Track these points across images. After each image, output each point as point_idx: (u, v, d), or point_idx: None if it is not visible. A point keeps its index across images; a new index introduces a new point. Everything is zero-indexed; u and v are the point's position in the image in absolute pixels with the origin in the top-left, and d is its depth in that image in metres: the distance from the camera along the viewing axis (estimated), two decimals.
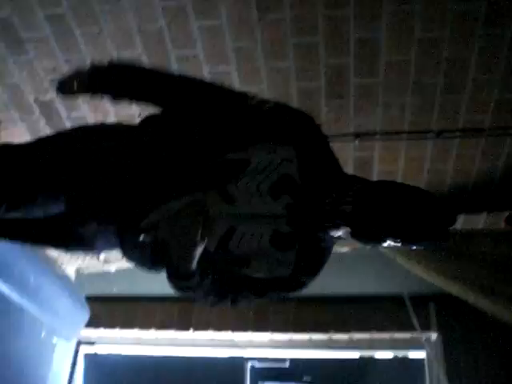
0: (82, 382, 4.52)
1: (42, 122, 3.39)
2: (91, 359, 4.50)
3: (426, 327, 4.10)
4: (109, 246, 1.94)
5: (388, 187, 1.76)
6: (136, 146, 1.83)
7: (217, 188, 1.69)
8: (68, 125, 3.36)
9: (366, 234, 1.71)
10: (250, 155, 1.70)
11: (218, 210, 1.69)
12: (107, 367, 4.41)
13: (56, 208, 1.84)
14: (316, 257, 1.83)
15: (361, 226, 1.69)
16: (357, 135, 3.31)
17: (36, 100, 3.29)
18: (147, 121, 1.92)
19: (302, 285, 1.88)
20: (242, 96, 1.84)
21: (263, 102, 1.81)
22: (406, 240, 1.70)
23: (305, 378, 4.35)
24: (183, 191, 1.70)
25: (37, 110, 3.34)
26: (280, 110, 1.80)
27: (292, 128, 1.76)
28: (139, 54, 3.00)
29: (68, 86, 1.88)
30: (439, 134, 3.27)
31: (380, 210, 1.67)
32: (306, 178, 1.72)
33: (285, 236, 1.73)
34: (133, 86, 1.89)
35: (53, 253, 3.92)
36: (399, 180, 3.38)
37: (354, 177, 1.82)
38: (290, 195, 1.71)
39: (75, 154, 1.83)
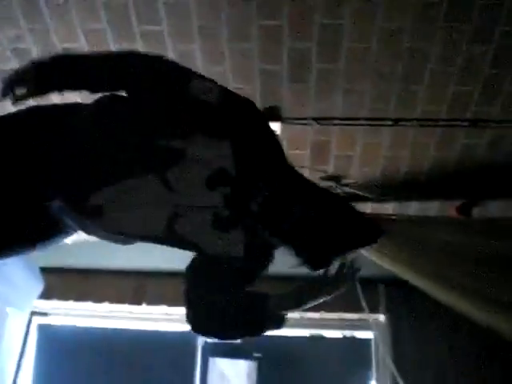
0: (34, 353, 4.51)
1: None
2: (44, 330, 4.50)
3: (374, 309, 4.20)
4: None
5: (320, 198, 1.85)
6: (84, 126, 1.84)
7: (156, 173, 1.73)
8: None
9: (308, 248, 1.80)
10: (186, 145, 1.73)
11: (160, 195, 1.75)
12: (60, 338, 4.42)
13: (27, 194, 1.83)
14: (262, 241, 1.87)
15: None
16: (316, 119, 3.36)
17: None
18: (96, 104, 1.91)
19: (260, 262, 1.93)
20: (185, 77, 1.83)
21: (208, 89, 1.81)
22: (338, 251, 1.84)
23: (255, 355, 4.44)
24: (123, 173, 1.75)
25: None
26: (222, 101, 1.80)
27: (232, 122, 1.78)
28: (104, 28, 2.98)
29: (15, 85, 1.89)
30: (396, 121, 3.34)
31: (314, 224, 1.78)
32: (241, 171, 1.76)
33: (225, 219, 1.79)
34: (75, 77, 1.90)
35: None
36: (356, 164, 3.50)
37: (291, 172, 1.88)
38: (225, 186, 1.76)
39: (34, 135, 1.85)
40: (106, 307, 4.37)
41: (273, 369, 4.49)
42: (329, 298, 1.86)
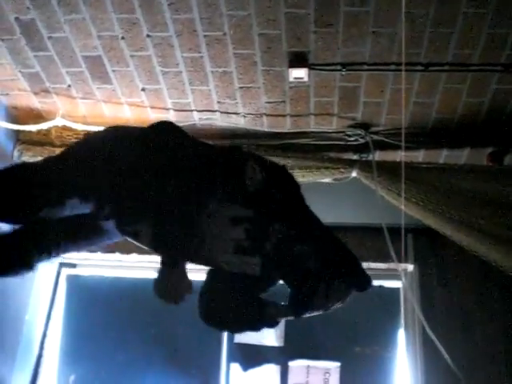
0: (63, 303, 4.57)
1: (23, 43, 3.32)
2: (73, 281, 4.54)
3: (403, 259, 4.17)
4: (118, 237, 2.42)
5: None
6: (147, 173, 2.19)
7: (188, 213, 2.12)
8: (49, 46, 3.30)
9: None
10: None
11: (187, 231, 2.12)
12: (88, 289, 4.45)
13: (82, 209, 2.21)
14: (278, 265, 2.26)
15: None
16: (344, 65, 3.28)
17: (17, 19, 3.20)
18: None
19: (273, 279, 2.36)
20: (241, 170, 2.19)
21: (254, 177, 2.18)
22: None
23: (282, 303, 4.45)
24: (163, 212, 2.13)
25: (17, 30, 3.25)
26: (265, 187, 2.19)
27: (265, 193, 2.19)
28: None
29: None
30: (427, 66, 3.25)
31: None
32: (260, 216, 2.18)
33: (246, 247, 2.20)
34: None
35: None
36: (385, 111, 3.42)
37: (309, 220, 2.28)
38: (246, 225, 2.18)
39: (101, 163, 2.18)
40: (133, 258, 4.39)
41: (300, 319, 4.51)
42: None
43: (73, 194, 2.18)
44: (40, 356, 4.20)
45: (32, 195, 2.17)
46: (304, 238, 2.21)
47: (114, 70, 3.46)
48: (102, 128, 3.66)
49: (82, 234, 2.41)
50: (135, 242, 2.34)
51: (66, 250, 2.48)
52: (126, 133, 2.40)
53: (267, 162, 2.31)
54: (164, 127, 2.38)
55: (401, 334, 4.32)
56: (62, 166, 2.24)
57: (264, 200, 2.19)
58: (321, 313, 2.30)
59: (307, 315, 2.29)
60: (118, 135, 2.34)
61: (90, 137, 2.53)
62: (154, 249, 2.25)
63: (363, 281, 2.27)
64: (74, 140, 3.80)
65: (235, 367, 4.48)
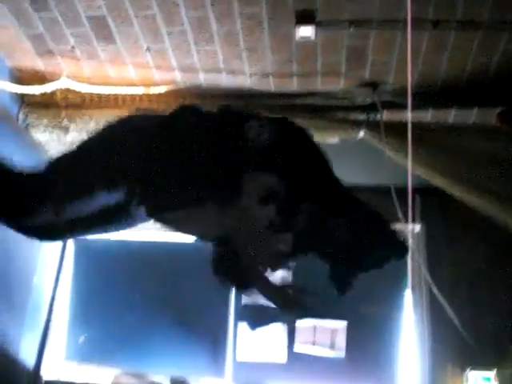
0: (72, 266, 4.61)
1: (26, 4, 3.28)
2: (81, 243, 4.57)
3: (410, 219, 4.17)
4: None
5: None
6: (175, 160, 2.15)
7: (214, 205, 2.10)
8: (53, 6, 3.26)
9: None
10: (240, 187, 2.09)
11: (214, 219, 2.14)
12: (97, 251, 4.48)
13: (114, 197, 2.17)
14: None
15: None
16: (352, 22, 3.22)
17: None
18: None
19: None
20: (238, 126, 2.12)
21: (258, 134, 2.10)
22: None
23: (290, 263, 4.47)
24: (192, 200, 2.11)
25: None
26: (273, 143, 2.10)
27: (281, 161, 2.10)
28: None
29: None
30: (436, 24, 3.19)
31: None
32: (289, 192, 2.09)
33: (278, 223, 2.11)
34: None
35: (40, 138, 3.87)
36: (393, 70, 3.37)
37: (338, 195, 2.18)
38: (276, 202, 2.10)
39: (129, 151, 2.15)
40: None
41: (308, 277, 4.53)
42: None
43: (101, 184, 2.17)
44: (49, 318, 4.26)
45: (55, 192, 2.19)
46: (335, 210, 2.14)
47: (118, 30, 3.41)
48: (106, 88, 3.73)
49: (109, 221, 2.35)
50: (166, 227, 2.32)
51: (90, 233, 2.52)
52: (148, 120, 2.38)
53: (268, 119, 2.24)
54: (185, 112, 2.30)
55: (407, 295, 4.35)
56: (85, 157, 2.24)
57: (280, 161, 2.12)
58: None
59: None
60: (139, 123, 2.33)
61: (110, 125, 2.50)
62: (187, 233, 2.30)
63: (400, 248, 2.19)
64: (79, 101, 3.80)
65: (243, 326, 4.53)
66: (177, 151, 2.15)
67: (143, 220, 2.33)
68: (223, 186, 2.10)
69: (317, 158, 2.20)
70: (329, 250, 2.18)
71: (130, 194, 2.18)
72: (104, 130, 2.42)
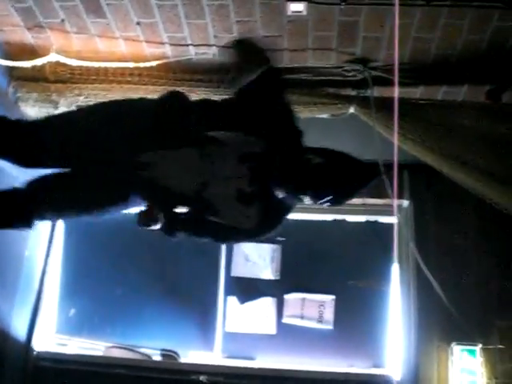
0: (62, 239, 4.62)
1: None
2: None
3: (398, 195, 4.20)
4: None
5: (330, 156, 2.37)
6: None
7: (196, 148, 2.30)
8: None
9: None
10: (224, 136, 2.29)
11: (194, 166, 2.31)
12: (87, 224, 4.47)
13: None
14: (275, 212, 2.44)
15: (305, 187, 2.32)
16: None
17: None
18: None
19: (262, 234, 2.52)
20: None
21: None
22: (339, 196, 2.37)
23: (279, 238, 4.52)
24: (170, 144, 2.33)
25: None
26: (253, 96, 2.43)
27: (261, 111, 2.36)
28: None
29: None
30: (429, 1, 3.18)
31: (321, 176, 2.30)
32: (266, 149, 2.31)
33: (247, 194, 2.32)
34: None
35: (30, 112, 3.85)
36: (384, 46, 3.37)
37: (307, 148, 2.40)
38: (252, 161, 2.30)
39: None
40: None
41: (296, 252, 4.58)
42: None
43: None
44: (40, 291, 4.28)
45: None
46: (305, 149, 2.38)
47: (108, 4, 3.37)
48: (96, 63, 3.71)
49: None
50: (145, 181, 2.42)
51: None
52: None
53: None
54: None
55: (394, 269, 4.41)
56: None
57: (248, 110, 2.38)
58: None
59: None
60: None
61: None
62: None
63: (371, 170, 2.53)
64: (68, 76, 3.78)
65: (232, 300, 4.57)
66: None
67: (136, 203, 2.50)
68: (210, 136, 2.29)
69: (289, 115, 2.48)
70: (308, 181, 2.32)
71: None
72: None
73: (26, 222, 2.50)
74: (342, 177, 2.32)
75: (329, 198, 2.30)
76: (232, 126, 2.34)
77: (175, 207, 2.48)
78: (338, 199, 2.36)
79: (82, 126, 2.43)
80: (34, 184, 2.48)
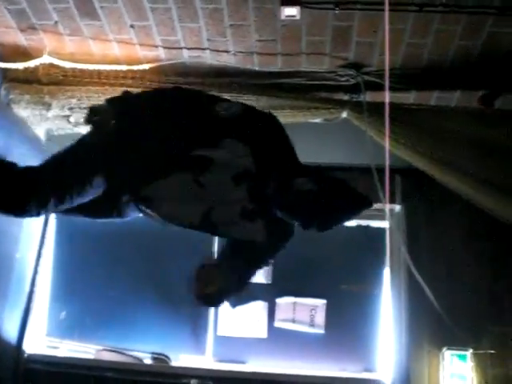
0: (53, 241, 4.60)
1: None
2: (63, 217, 4.54)
3: (390, 199, 4.21)
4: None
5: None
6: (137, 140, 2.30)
7: (192, 176, 2.23)
8: None
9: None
10: (214, 153, 2.23)
11: (195, 193, 2.25)
12: (79, 225, 4.44)
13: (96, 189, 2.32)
14: (282, 223, 2.36)
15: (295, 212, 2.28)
16: (337, 4, 3.22)
17: None
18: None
19: (276, 247, 2.48)
20: (211, 103, 2.31)
21: (230, 107, 2.31)
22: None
23: None
24: (165, 174, 2.25)
25: None
26: (243, 115, 2.32)
27: (250, 130, 2.28)
28: None
29: None
30: (421, 7, 3.20)
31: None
32: (259, 167, 2.26)
33: (250, 210, 2.29)
34: None
35: (22, 113, 3.85)
36: (377, 51, 3.37)
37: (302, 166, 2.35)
38: (248, 182, 2.26)
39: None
40: None
41: (288, 256, 4.51)
42: None
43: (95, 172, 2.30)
44: (31, 293, 4.25)
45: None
46: (300, 172, 2.31)
47: (101, 6, 3.37)
48: (89, 66, 3.70)
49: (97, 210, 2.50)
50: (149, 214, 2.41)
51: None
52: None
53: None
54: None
55: (386, 273, 4.41)
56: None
57: (248, 130, 2.30)
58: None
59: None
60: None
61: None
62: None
63: (363, 198, 2.34)
64: (61, 78, 3.77)
65: (224, 304, 4.56)
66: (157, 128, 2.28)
67: (132, 213, 2.47)
68: (199, 157, 2.25)
69: (281, 131, 2.36)
70: (297, 207, 2.28)
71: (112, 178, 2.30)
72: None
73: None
74: (331, 206, 2.27)
75: (315, 227, 2.29)
76: (221, 139, 2.29)
77: None
78: (325, 227, 2.31)
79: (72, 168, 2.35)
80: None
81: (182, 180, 2.25)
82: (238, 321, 4.51)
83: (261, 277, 4.56)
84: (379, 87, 3.58)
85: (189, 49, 3.63)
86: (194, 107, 2.35)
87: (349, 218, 2.40)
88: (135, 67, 3.72)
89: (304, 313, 4.53)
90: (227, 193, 2.28)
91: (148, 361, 4.39)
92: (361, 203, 2.34)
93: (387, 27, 2.88)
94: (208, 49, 3.61)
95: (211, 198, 2.27)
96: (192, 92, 2.52)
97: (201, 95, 2.50)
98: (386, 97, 3.04)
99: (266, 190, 2.30)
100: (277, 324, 4.51)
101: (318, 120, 3.77)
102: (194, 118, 2.30)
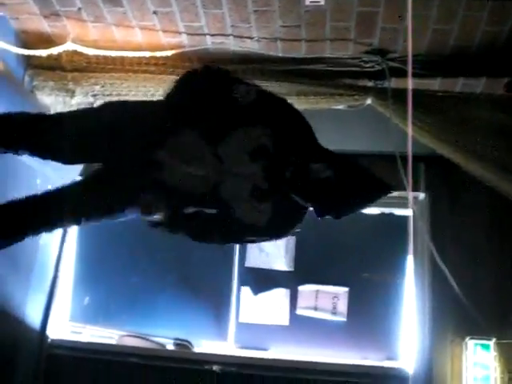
0: (76, 230, 4.62)
1: None
2: None
3: (414, 187, 4.17)
4: None
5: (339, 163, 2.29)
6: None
7: (209, 146, 2.27)
8: None
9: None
10: (233, 130, 2.27)
11: (210, 164, 2.27)
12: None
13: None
14: (288, 212, 2.36)
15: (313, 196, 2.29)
16: None
17: None
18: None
19: (271, 234, 2.46)
20: (229, 89, 2.32)
21: (247, 93, 2.31)
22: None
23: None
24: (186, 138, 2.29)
25: None
26: (260, 101, 2.32)
27: (267, 114, 2.30)
28: None
29: None
30: None
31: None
32: (278, 148, 2.27)
33: (262, 190, 2.28)
34: None
35: (46, 100, 3.86)
36: (402, 38, 3.33)
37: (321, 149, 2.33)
38: (265, 159, 2.26)
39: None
40: None
41: (310, 244, 4.55)
42: None
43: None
44: (55, 279, 4.30)
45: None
46: (317, 157, 2.29)
47: None
48: (112, 53, 3.71)
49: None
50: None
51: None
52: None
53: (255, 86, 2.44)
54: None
55: (409, 261, 4.39)
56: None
57: (266, 116, 2.30)
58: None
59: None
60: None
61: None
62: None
63: (381, 185, 2.31)
64: (85, 65, 3.78)
65: (246, 291, 4.57)
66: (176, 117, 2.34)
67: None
68: (217, 137, 2.27)
69: (299, 117, 2.36)
70: (314, 194, 2.28)
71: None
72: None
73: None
74: (348, 193, 2.25)
75: (331, 214, 2.28)
76: (241, 120, 2.31)
77: (187, 207, 2.38)
78: (341, 214, 2.30)
79: (94, 123, 2.42)
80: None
81: (197, 147, 2.27)
82: (260, 308, 4.52)
83: (283, 264, 4.57)
84: (404, 74, 3.51)
85: (212, 35, 3.61)
86: (217, 91, 2.34)
87: (366, 206, 2.37)
88: (158, 54, 3.71)
89: (326, 300, 4.53)
90: (242, 166, 2.27)
91: (170, 347, 4.42)
92: (378, 190, 2.31)
93: (410, 13, 2.84)
94: (231, 35, 3.59)
95: (224, 171, 2.27)
96: (217, 74, 2.47)
97: (224, 77, 2.45)
98: (409, 83, 3.00)
99: (283, 172, 2.28)
100: (299, 311, 4.51)
101: (341, 106, 3.73)
102: (215, 103, 2.31)
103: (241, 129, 2.28)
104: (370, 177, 2.30)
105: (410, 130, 3.10)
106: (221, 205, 2.33)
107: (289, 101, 2.47)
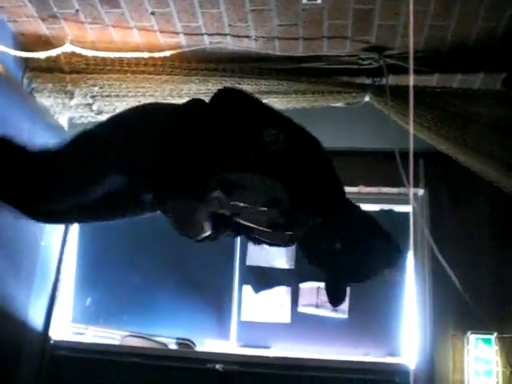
0: (78, 229, 4.63)
1: None
2: None
3: (413, 183, 4.19)
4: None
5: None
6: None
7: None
8: None
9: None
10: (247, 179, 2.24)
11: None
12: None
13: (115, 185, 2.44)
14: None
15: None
16: None
17: None
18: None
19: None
20: (257, 131, 2.24)
21: (277, 138, 2.21)
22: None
23: None
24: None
25: None
26: (286, 149, 2.23)
27: (294, 167, 2.23)
28: None
29: None
30: None
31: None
32: (295, 202, 2.24)
33: (278, 224, 2.30)
34: None
35: (45, 102, 3.87)
36: (400, 34, 3.33)
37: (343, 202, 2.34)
38: (281, 208, 2.25)
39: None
40: None
41: None
42: None
43: (112, 170, 2.39)
44: (56, 281, 4.29)
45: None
46: (332, 221, 2.28)
47: None
48: (110, 54, 3.71)
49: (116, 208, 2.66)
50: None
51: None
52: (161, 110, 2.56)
53: (286, 126, 2.34)
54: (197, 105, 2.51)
55: (409, 257, 4.39)
56: (96, 142, 2.46)
57: (289, 170, 2.24)
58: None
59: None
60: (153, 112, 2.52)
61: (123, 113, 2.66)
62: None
63: (393, 257, 2.38)
64: (83, 66, 3.78)
65: (247, 289, 4.58)
66: (188, 141, 2.30)
67: (151, 209, 2.60)
68: (232, 182, 2.26)
69: (324, 170, 2.34)
70: (324, 260, 2.30)
71: (141, 181, 2.37)
72: (117, 117, 2.51)
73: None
74: (360, 266, 2.29)
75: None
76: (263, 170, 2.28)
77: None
78: (354, 283, 2.51)
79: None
80: None
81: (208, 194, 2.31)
82: (261, 306, 4.54)
83: (284, 262, 4.58)
84: (402, 70, 3.56)
85: (210, 35, 3.62)
86: (244, 132, 2.29)
87: (380, 274, 2.38)
88: (156, 54, 3.71)
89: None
90: (258, 213, 2.30)
91: (173, 346, 4.43)
92: (391, 259, 2.37)
93: (411, 8, 2.84)
94: (229, 34, 3.60)
95: (241, 209, 2.32)
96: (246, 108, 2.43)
97: (253, 113, 2.40)
98: (410, 80, 3.01)
99: (299, 217, 2.28)
100: (300, 309, 4.53)
101: (340, 104, 3.74)
102: (242, 146, 2.26)
103: (259, 177, 2.25)
104: (382, 245, 2.34)
105: (411, 126, 3.11)
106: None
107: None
